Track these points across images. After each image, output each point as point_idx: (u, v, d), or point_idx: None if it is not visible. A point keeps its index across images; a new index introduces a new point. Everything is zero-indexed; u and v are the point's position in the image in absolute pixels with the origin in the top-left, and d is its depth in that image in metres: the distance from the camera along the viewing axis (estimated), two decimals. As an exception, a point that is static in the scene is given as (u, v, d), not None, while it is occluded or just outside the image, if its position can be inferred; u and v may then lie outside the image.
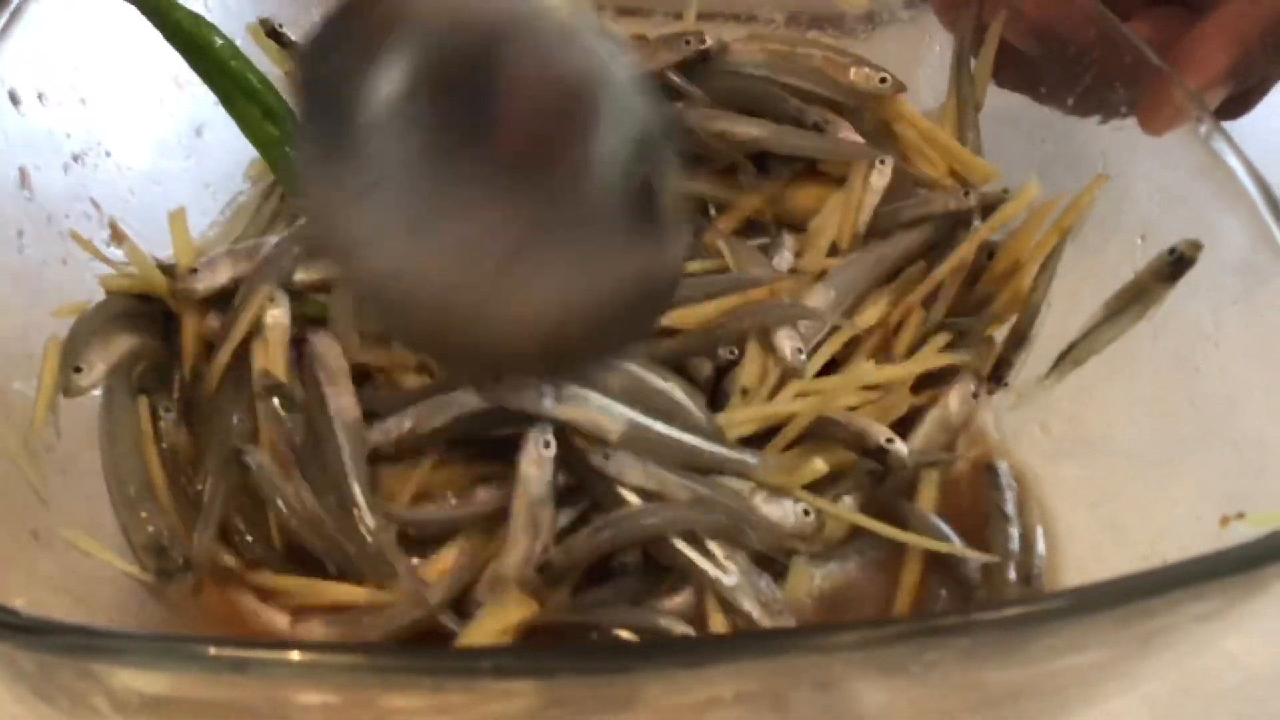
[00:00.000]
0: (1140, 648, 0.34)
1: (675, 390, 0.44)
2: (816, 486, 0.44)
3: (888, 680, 0.32)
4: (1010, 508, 0.46)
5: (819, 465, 0.44)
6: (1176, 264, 0.45)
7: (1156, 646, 0.34)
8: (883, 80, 0.53)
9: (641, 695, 0.31)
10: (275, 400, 0.44)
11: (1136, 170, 0.49)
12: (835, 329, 0.49)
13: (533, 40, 0.33)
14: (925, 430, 0.48)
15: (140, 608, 0.41)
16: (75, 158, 0.48)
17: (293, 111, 0.37)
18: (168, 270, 0.47)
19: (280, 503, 0.42)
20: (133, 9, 0.46)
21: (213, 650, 0.28)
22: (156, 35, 0.48)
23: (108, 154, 0.49)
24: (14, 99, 0.45)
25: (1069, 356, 0.48)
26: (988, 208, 0.52)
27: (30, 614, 0.29)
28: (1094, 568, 0.44)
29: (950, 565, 0.45)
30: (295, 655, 0.28)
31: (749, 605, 0.41)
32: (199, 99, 0.52)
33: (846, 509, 0.45)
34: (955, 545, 0.44)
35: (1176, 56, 0.48)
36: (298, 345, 0.46)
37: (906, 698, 0.33)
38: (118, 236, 0.48)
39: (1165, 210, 0.48)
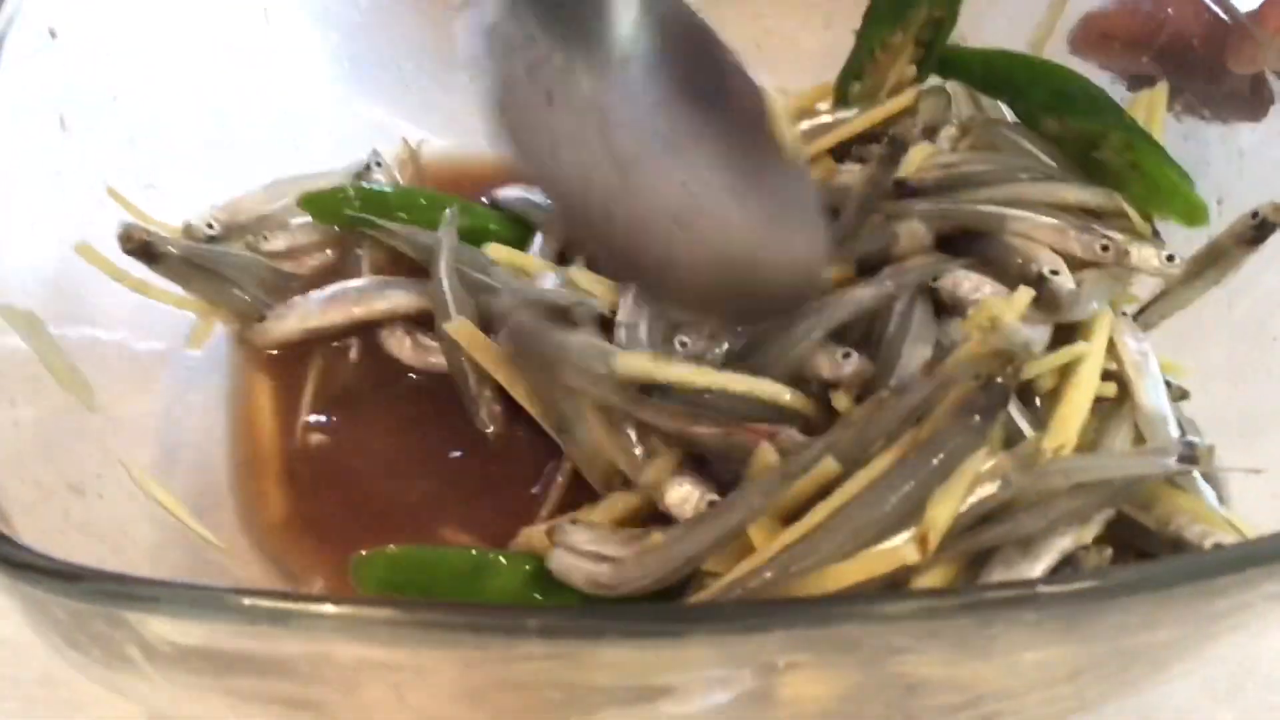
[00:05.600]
0: (1211, 626, 0.33)
1: None
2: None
3: (949, 653, 0.30)
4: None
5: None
6: (1259, 228, 0.43)
7: (1228, 625, 0.33)
8: (1104, 249, 0.47)
9: (689, 659, 0.30)
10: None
11: (1212, 132, 0.48)
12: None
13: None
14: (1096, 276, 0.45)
15: (180, 558, 0.40)
16: (114, 96, 0.47)
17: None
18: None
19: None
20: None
21: (248, 601, 0.27)
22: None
23: (147, 93, 0.48)
24: (52, 34, 0.44)
25: (1139, 320, 0.46)
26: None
27: (63, 561, 0.28)
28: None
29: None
30: (333, 608, 0.27)
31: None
32: (239, 38, 0.51)
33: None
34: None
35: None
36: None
37: (968, 672, 0.31)
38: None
39: (1242, 173, 0.47)
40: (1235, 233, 0.44)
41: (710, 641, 0.28)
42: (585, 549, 0.39)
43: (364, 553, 0.40)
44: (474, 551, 0.41)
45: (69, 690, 0.42)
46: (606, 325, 0.46)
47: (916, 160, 0.50)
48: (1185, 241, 0.46)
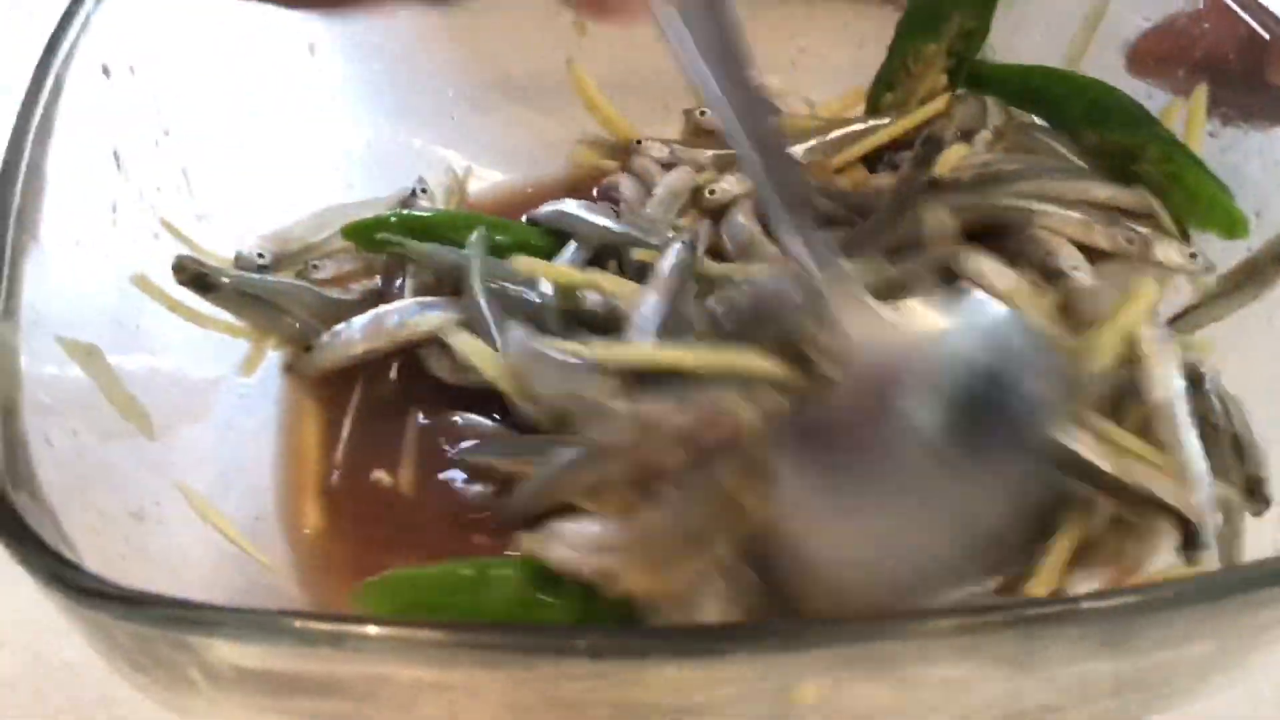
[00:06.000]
0: (1253, 639, 0.33)
1: None
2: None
3: (989, 669, 0.31)
4: (1220, 419, 0.43)
5: None
6: (1296, 244, 0.43)
7: (1269, 638, 0.33)
8: (1129, 241, 0.48)
9: (732, 676, 0.30)
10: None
11: (1250, 145, 0.47)
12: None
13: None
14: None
15: (235, 581, 0.41)
16: (166, 131, 0.48)
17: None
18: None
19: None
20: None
21: (307, 624, 0.28)
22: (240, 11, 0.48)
23: (197, 127, 0.49)
24: (106, 72, 0.45)
25: (1174, 326, 0.46)
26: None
27: (129, 587, 0.29)
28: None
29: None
30: (389, 630, 0.28)
31: None
32: (286, 71, 0.52)
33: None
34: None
35: None
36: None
37: (1009, 687, 0.32)
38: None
39: (1280, 187, 0.46)
40: (1274, 248, 0.44)
41: (752, 660, 0.29)
42: (575, 539, 0.40)
43: (369, 580, 0.40)
44: (470, 565, 0.41)
45: (127, 709, 0.43)
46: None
47: (951, 160, 0.51)
48: (1223, 253, 0.46)
